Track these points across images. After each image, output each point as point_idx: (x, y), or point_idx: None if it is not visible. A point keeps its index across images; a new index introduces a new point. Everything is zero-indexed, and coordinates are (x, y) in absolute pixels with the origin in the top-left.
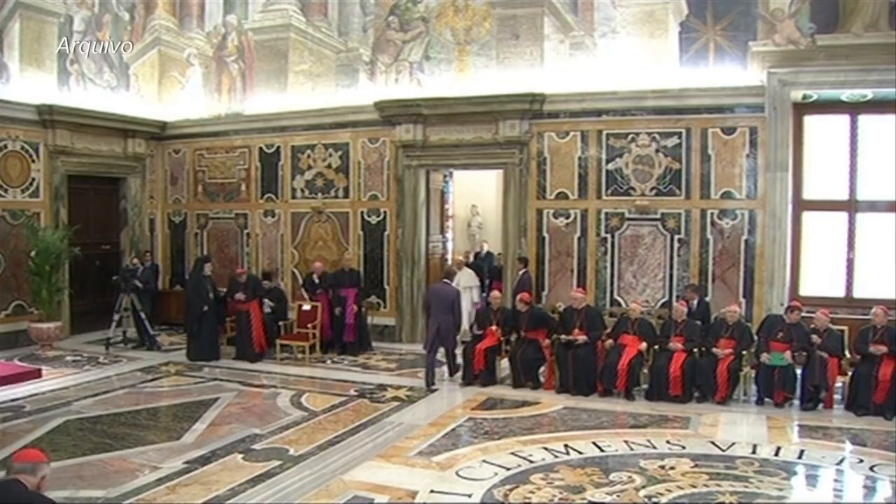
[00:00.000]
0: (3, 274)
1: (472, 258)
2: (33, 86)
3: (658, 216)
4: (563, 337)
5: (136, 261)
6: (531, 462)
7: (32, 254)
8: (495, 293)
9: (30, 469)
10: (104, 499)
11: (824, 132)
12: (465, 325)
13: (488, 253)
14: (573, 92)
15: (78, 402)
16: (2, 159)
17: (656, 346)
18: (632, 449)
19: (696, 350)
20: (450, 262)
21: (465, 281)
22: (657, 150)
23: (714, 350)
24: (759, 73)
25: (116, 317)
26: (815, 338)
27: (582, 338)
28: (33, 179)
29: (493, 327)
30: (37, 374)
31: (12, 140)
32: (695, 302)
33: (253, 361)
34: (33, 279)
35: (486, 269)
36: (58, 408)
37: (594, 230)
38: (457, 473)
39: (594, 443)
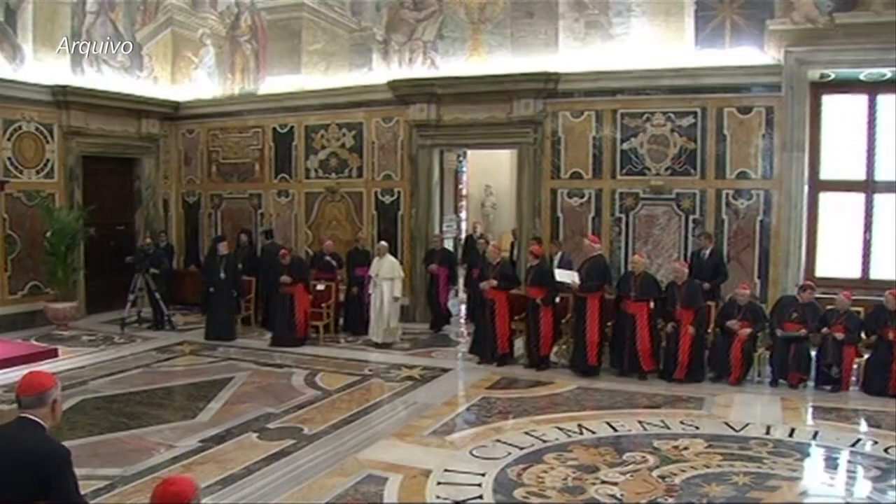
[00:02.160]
0: (20, 254)
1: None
2: (47, 67)
3: (673, 196)
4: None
5: (150, 241)
6: (545, 442)
7: (48, 234)
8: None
9: (36, 401)
10: (120, 476)
11: (842, 112)
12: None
13: (482, 236)
14: (588, 71)
15: (94, 381)
16: (17, 140)
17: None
18: (645, 429)
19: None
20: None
21: (386, 271)
22: (672, 130)
23: (728, 324)
24: (776, 52)
25: (131, 297)
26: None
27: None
28: (48, 160)
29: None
30: (53, 354)
31: (27, 121)
32: (707, 251)
33: (294, 346)
34: (49, 259)
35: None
36: (74, 387)
37: (608, 210)
38: (470, 453)
39: (608, 423)
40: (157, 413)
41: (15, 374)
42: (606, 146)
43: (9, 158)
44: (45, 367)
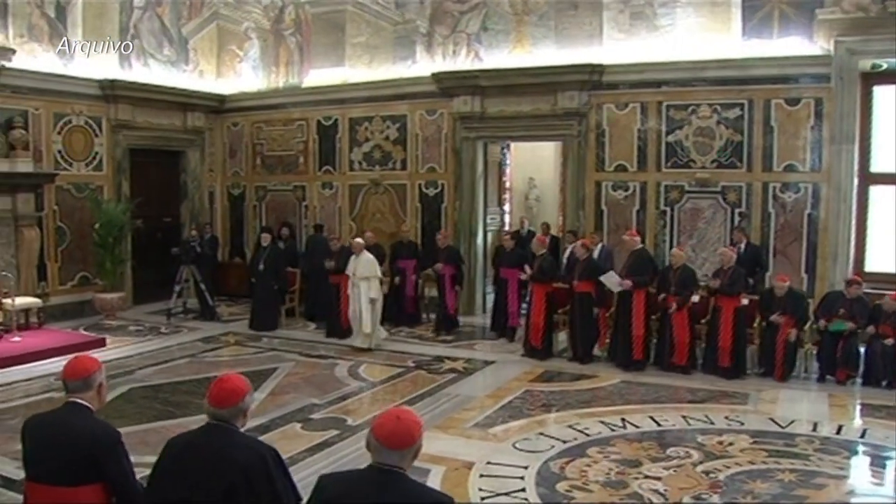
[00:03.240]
0: (69, 246)
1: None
2: (96, 62)
3: (719, 189)
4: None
5: (195, 233)
6: (588, 435)
7: (96, 226)
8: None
9: (83, 385)
10: None
11: (894, 103)
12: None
13: (531, 232)
14: (632, 62)
15: (141, 370)
16: (67, 134)
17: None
18: (689, 424)
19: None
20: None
21: (363, 270)
22: (718, 122)
23: (772, 318)
24: (825, 42)
25: (177, 288)
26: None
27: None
28: (97, 153)
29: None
30: (101, 343)
31: (76, 115)
32: (742, 245)
33: (342, 338)
34: (97, 251)
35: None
36: (121, 376)
37: (653, 203)
38: (513, 445)
39: (651, 417)
40: (203, 402)
41: (65, 363)
42: (651, 138)
43: (59, 151)
44: (94, 355)
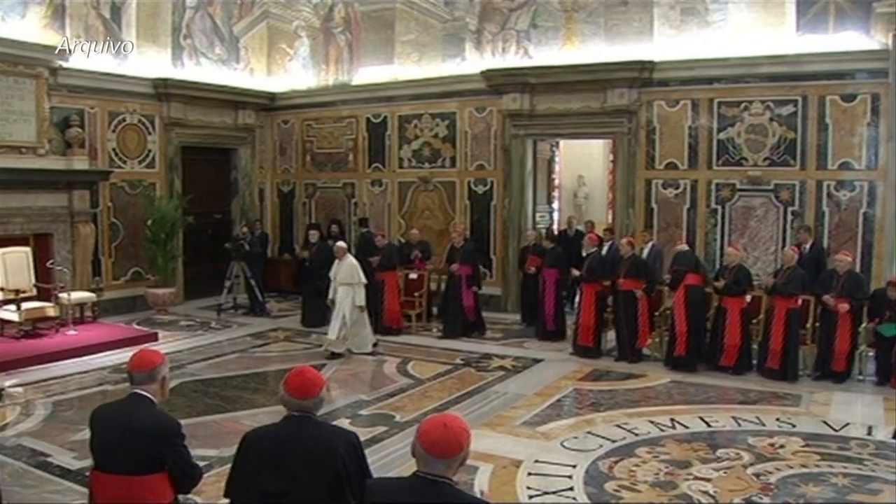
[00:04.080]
0: (122, 242)
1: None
2: (149, 61)
3: (771, 187)
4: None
5: (246, 229)
6: (636, 435)
7: (149, 222)
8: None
9: (147, 377)
10: (217, 457)
11: None
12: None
13: (578, 232)
14: (683, 59)
15: (192, 365)
16: (121, 132)
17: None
18: (740, 425)
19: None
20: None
21: (344, 276)
22: (771, 119)
23: (825, 299)
24: (883, 37)
25: (228, 284)
26: None
27: None
28: (149, 151)
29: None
30: (153, 338)
31: (130, 113)
32: (807, 245)
33: (385, 334)
34: (150, 247)
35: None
36: (173, 370)
37: (704, 201)
38: (561, 444)
39: (701, 417)
40: (252, 397)
41: (118, 357)
42: (703, 136)
43: (113, 149)
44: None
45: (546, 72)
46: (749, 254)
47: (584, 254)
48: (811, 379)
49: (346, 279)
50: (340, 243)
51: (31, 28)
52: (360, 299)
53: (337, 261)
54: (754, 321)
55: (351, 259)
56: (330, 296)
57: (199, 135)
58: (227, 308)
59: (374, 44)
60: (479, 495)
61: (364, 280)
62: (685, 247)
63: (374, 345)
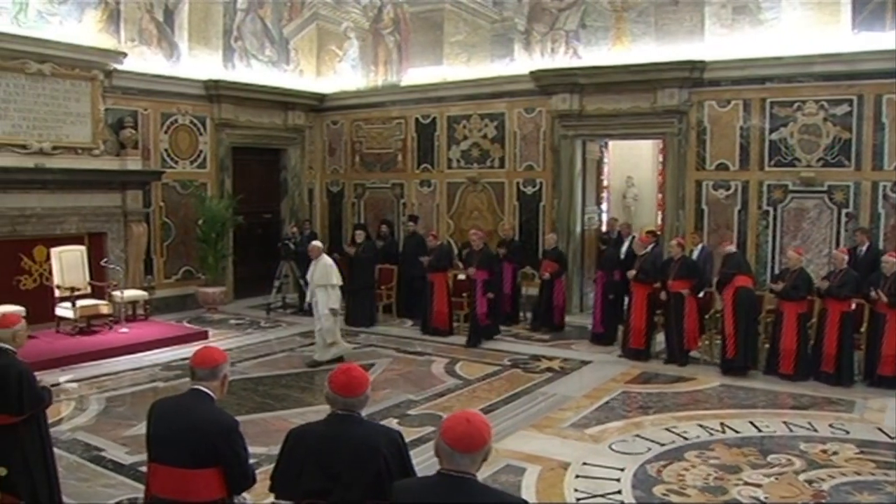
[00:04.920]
0: (174, 241)
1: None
2: (201, 63)
3: (824, 189)
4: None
5: (296, 229)
6: (686, 439)
7: (200, 222)
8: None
9: (210, 374)
10: (266, 455)
11: None
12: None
13: (620, 235)
14: (735, 58)
15: (241, 363)
16: (173, 133)
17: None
18: (791, 430)
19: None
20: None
21: (319, 277)
22: (825, 119)
23: (872, 294)
24: None
25: (277, 283)
26: None
27: None
28: (201, 151)
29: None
30: (203, 336)
31: (182, 114)
32: (864, 247)
33: (434, 335)
34: (200, 246)
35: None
36: None
37: (755, 203)
38: (609, 447)
39: (751, 422)
40: (300, 396)
41: (169, 354)
42: (754, 136)
43: (165, 150)
44: (197, 347)
45: (595, 72)
46: (801, 256)
47: (621, 256)
48: (865, 385)
49: (321, 280)
50: (315, 242)
51: (87, 32)
52: (333, 301)
53: (313, 261)
54: (808, 325)
55: (326, 259)
56: (308, 298)
57: (249, 135)
58: (276, 307)
59: (422, 45)
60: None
61: (339, 282)
62: (733, 248)
63: (340, 358)
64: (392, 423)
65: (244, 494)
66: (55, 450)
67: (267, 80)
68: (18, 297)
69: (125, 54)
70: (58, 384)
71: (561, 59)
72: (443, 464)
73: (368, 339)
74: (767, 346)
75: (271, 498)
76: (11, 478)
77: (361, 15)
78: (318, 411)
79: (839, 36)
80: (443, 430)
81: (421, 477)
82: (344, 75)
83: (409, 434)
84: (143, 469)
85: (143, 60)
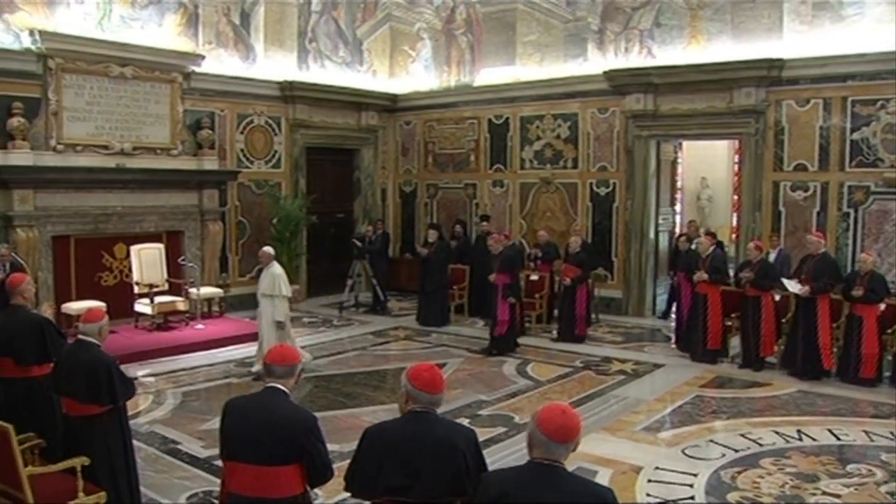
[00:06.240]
0: (248, 240)
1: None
2: (276, 64)
3: None
4: None
5: (370, 228)
6: (761, 445)
7: (274, 221)
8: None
9: (287, 372)
10: (338, 453)
11: None
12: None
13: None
14: (815, 56)
15: (314, 361)
16: (249, 133)
17: None
18: (872, 440)
19: None
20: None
21: (267, 286)
22: None
23: None
24: None
25: (350, 282)
26: None
27: None
28: (275, 151)
29: None
30: None
31: (258, 115)
32: None
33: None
34: (275, 245)
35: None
36: None
37: (835, 205)
38: (682, 451)
39: (829, 430)
40: (372, 394)
41: (243, 351)
42: (834, 136)
43: (241, 150)
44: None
45: (670, 71)
46: (884, 260)
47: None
48: None
49: (268, 290)
50: (266, 248)
51: (167, 35)
52: (279, 314)
53: (265, 268)
54: (888, 331)
55: (276, 268)
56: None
57: (322, 135)
58: (348, 306)
59: (495, 45)
60: None
61: (288, 293)
62: (822, 246)
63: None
64: (464, 423)
65: (316, 490)
66: (134, 441)
67: (340, 80)
68: (100, 294)
69: (203, 57)
70: (136, 378)
71: (635, 59)
72: (534, 453)
73: (440, 338)
74: (842, 352)
75: (344, 494)
76: (94, 467)
77: (434, 15)
78: (389, 409)
79: None
80: (539, 420)
81: (512, 467)
82: (417, 76)
83: (481, 434)
84: (218, 463)
85: (219, 62)
